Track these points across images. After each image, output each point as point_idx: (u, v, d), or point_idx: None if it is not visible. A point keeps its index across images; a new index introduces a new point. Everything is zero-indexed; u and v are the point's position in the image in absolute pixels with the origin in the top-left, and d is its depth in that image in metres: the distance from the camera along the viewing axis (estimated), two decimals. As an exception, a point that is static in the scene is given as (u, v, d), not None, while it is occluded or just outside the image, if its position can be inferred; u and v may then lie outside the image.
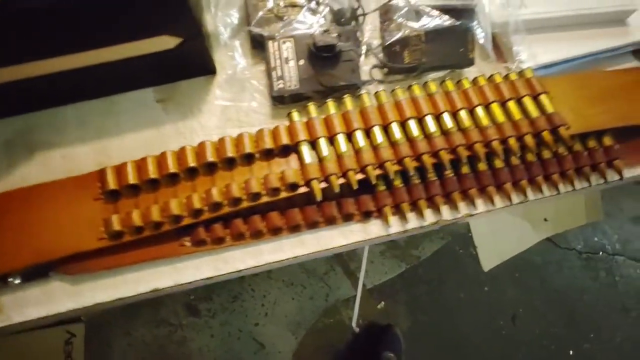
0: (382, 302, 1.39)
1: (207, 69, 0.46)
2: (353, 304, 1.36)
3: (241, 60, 0.44)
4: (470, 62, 0.46)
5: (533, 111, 0.42)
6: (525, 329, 1.33)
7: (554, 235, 1.41)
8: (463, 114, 0.41)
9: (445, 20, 0.42)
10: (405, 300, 1.38)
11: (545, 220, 1.32)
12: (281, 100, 0.45)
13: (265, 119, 0.45)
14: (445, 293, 1.37)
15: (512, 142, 0.40)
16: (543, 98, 0.43)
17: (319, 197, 0.37)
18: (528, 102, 0.42)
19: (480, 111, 0.42)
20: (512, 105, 0.42)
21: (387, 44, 0.45)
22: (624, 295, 1.43)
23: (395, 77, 0.47)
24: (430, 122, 0.41)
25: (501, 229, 1.32)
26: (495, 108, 0.42)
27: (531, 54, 0.46)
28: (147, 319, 1.27)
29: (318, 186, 0.37)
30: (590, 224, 1.46)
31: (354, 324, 1.33)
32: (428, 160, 0.39)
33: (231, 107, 0.46)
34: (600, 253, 1.48)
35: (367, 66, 0.47)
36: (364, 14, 0.48)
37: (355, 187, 0.38)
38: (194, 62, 0.45)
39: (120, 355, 1.21)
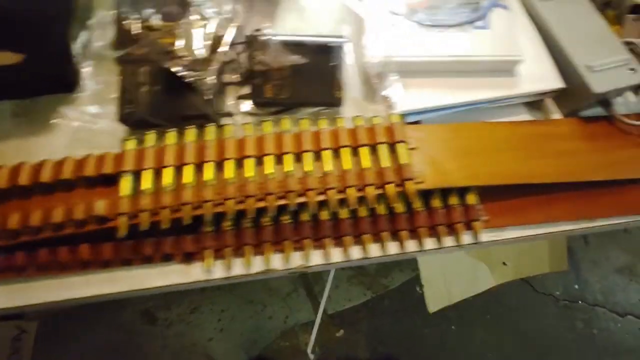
0: (342, 330, 1.34)
1: (67, 86, 0.45)
2: (312, 328, 1.32)
3: (90, 81, 0.43)
4: (337, 102, 0.43)
5: (384, 160, 0.39)
6: (491, 375, 1.26)
7: (531, 279, 1.34)
8: (307, 157, 0.38)
9: (302, 57, 0.40)
10: (367, 330, 1.32)
11: (505, 264, 1.25)
12: (132, 125, 0.43)
13: (118, 142, 0.43)
14: (410, 327, 1.31)
15: (350, 192, 0.37)
16: (400, 147, 0.39)
17: (122, 233, 0.35)
18: (382, 149, 0.39)
19: (325, 155, 0.39)
20: (363, 151, 0.39)
21: (247, 76, 0.42)
22: (601, 351, 1.34)
23: (261, 111, 0.44)
24: (268, 162, 0.38)
25: (453, 270, 1.25)
26: (344, 153, 0.39)
27: (405, 98, 0.43)
28: (106, 322, 1.26)
29: (125, 222, 0.35)
30: (572, 271, 1.38)
31: (309, 350, 1.29)
32: (253, 204, 0.36)
33: (85, 127, 0.44)
34: (580, 302, 1.39)
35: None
36: (239, 43, 0.46)
37: (165, 226, 0.35)
38: (49, 79, 0.43)
39: (70, 357, 1.20)
